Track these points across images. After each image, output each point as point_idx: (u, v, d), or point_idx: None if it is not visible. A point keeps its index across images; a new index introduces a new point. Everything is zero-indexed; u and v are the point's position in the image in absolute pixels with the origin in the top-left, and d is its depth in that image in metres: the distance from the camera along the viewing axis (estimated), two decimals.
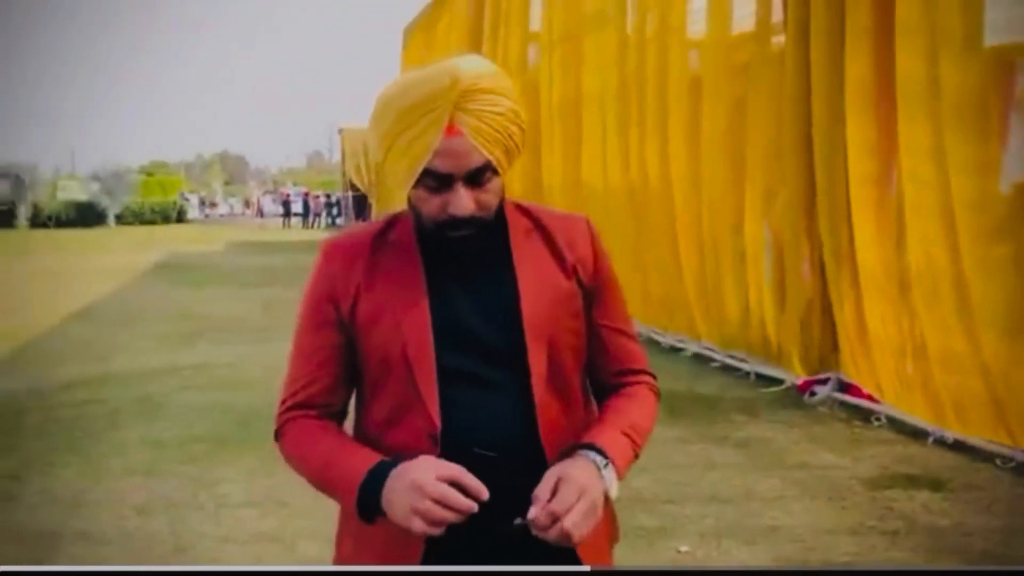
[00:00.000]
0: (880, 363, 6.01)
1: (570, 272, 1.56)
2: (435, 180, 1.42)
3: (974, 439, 5.29)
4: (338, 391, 1.58)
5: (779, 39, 6.79)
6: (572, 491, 1.36)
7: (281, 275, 16.26)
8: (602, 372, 1.64)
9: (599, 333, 1.61)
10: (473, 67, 1.42)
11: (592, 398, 1.65)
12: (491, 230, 1.49)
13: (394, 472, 1.37)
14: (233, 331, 10.55)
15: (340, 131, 33.28)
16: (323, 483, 1.49)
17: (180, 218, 45.67)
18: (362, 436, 1.56)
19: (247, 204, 59.20)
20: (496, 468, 1.41)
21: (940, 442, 5.49)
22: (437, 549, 1.44)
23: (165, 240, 29.70)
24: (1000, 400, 4.98)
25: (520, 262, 1.54)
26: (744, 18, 7.16)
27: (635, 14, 8.84)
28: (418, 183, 1.44)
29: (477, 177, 1.43)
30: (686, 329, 8.45)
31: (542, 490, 1.37)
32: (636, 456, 1.53)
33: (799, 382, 6.77)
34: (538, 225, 1.58)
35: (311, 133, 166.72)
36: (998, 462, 5.07)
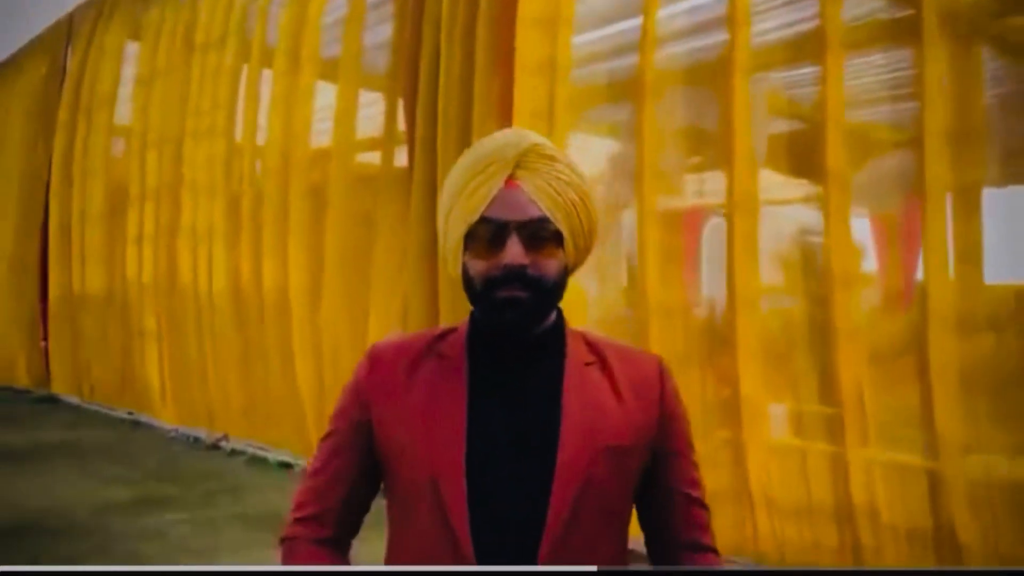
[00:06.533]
0: None
1: (631, 424, 1.37)
2: (489, 231, 1.34)
3: None
4: (352, 505, 1.46)
5: (403, 151, 6.83)
6: None
7: None
8: (668, 544, 1.44)
9: (672, 499, 1.42)
10: (540, 138, 1.41)
11: None
12: (543, 312, 1.37)
13: None
14: None
15: None
16: None
17: None
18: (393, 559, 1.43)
19: None
20: None
21: None
22: None
23: None
24: None
25: (570, 398, 1.35)
26: (371, 128, 7.14)
27: (246, 120, 8.51)
28: (471, 244, 1.36)
29: (535, 235, 1.34)
30: (297, 445, 8.02)
31: None
32: None
33: None
34: (601, 360, 1.40)
35: None
36: None
